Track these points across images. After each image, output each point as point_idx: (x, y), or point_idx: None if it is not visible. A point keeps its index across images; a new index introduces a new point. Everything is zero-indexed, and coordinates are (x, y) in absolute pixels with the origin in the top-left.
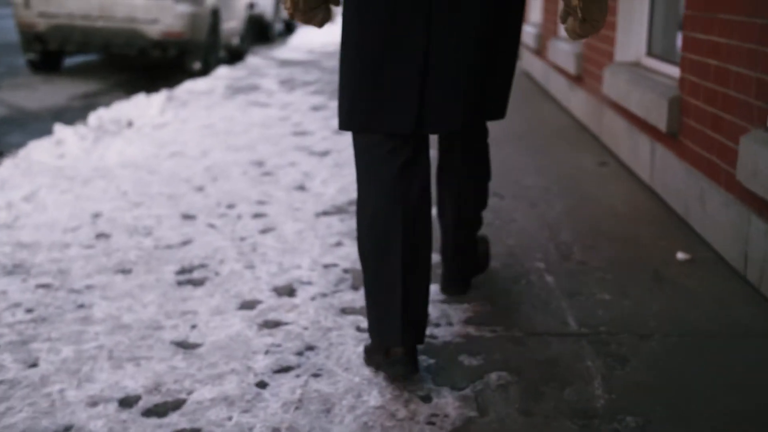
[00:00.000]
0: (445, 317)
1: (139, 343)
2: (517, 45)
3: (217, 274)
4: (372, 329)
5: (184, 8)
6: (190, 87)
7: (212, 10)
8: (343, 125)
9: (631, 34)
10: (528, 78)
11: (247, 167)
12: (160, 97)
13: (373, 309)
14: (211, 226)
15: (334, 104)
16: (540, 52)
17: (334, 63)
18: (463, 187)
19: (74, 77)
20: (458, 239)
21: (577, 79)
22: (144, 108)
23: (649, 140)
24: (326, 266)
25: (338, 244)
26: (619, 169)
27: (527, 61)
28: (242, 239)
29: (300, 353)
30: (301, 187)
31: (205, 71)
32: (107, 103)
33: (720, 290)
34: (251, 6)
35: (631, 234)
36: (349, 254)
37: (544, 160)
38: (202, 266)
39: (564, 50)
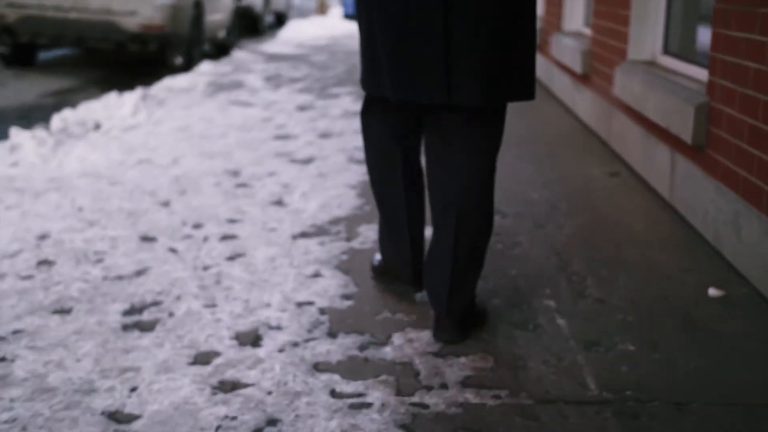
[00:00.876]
0: (438, 376)
1: (62, 414)
2: (534, 23)
3: (171, 314)
4: (385, 253)
5: (164, 0)
6: (168, 84)
7: (195, 2)
8: (371, 90)
9: (646, 29)
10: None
11: (221, 177)
12: (133, 95)
13: (386, 242)
14: (172, 250)
15: (321, 103)
16: (541, 47)
17: (324, 58)
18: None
19: (48, 72)
20: (458, 267)
21: (584, 79)
22: (115, 108)
23: (668, 151)
24: (300, 305)
25: (315, 275)
26: (633, 181)
27: None
28: (206, 268)
29: (259, 430)
30: (279, 202)
31: (187, 66)
32: (79, 101)
33: (765, 338)
34: None
35: (654, 263)
36: (327, 289)
37: (549, 170)
38: (155, 304)
39: (569, 47)
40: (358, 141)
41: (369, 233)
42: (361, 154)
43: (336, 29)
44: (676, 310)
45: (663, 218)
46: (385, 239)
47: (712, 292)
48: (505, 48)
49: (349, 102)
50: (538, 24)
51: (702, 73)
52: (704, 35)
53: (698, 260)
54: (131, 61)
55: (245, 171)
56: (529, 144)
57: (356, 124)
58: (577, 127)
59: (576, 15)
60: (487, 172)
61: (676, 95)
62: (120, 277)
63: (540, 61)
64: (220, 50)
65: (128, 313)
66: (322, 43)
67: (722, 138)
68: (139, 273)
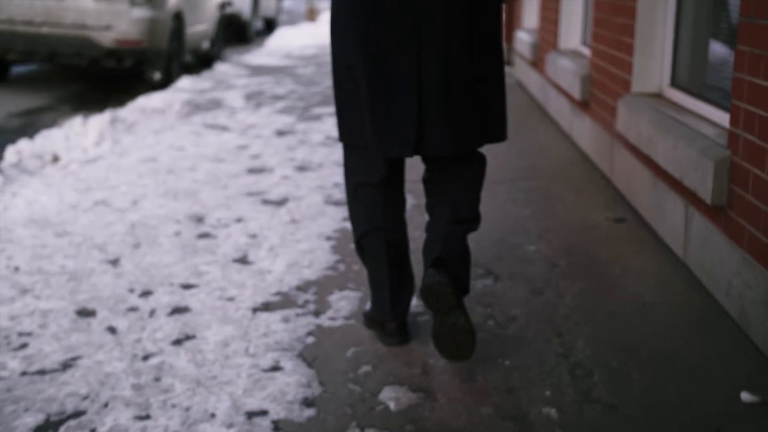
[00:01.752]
0: None
1: None
2: (503, 68)
3: None
4: (372, 301)
5: (141, 13)
6: (142, 104)
7: (175, 14)
8: (348, 140)
9: (652, 59)
10: (522, 91)
11: (183, 225)
12: (100, 120)
13: (372, 288)
14: (111, 330)
15: (302, 127)
16: (536, 64)
17: (311, 70)
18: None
19: (20, 89)
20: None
21: (583, 105)
22: (77, 137)
23: (682, 203)
24: (250, 416)
25: (274, 368)
26: (640, 229)
27: (521, 71)
28: (146, 357)
29: None
30: (243, 259)
31: (166, 82)
32: (47, 123)
33: None
34: (225, 6)
35: (672, 350)
36: (285, 390)
37: (546, 215)
38: (76, 415)
39: (567, 69)
40: (337, 175)
41: (341, 303)
42: (339, 194)
43: (325, 37)
44: (704, 422)
45: (677, 282)
46: (370, 285)
47: (746, 396)
48: (476, 96)
49: (331, 125)
50: (533, 39)
51: (716, 114)
52: (715, 67)
53: (724, 347)
54: (108, 75)
55: (210, 216)
56: (524, 179)
57: (336, 153)
58: (576, 157)
59: (573, 33)
60: (477, 197)
61: (691, 144)
62: (42, 372)
63: (535, 78)
64: (203, 62)
65: (40, 430)
66: (309, 52)
67: (748, 202)
68: (67, 365)
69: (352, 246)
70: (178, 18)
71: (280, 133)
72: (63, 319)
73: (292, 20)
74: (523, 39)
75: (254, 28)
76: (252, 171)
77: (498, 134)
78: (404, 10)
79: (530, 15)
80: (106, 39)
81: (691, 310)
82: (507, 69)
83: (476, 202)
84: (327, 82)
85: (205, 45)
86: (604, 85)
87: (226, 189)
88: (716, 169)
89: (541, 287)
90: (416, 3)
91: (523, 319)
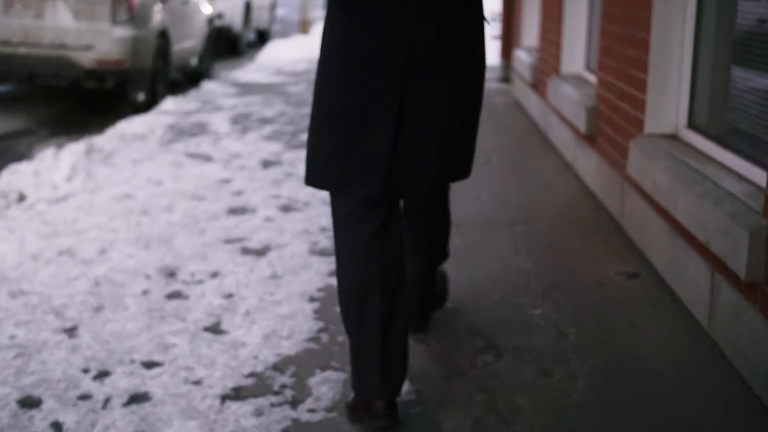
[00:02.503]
0: None
1: None
2: (480, 107)
3: None
4: (355, 384)
5: (123, 32)
6: (122, 130)
7: (160, 32)
8: (314, 183)
9: (668, 98)
10: (521, 112)
11: (152, 282)
12: (75, 150)
13: (356, 365)
14: (56, 427)
15: (289, 157)
16: (537, 87)
17: (302, 88)
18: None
19: None
20: (419, 271)
21: (589, 139)
22: (48, 171)
23: (708, 270)
24: None
25: None
26: (657, 288)
27: (519, 91)
28: None
29: None
30: (216, 328)
31: (150, 103)
32: (22, 150)
33: None
34: (213, 20)
35: None
36: None
37: (552, 269)
38: None
39: (571, 99)
40: (324, 217)
41: (323, 389)
42: (325, 241)
43: (317, 50)
44: None
45: (704, 361)
46: (356, 359)
47: None
48: (454, 138)
49: None
50: (532, 60)
51: (744, 167)
52: (740, 109)
53: None
54: (90, 95)
55: (184, 270)
56: (525, 220)
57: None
58: (581, 193)
59: (575, 56)
60: (446, 212)
61: (718, 205)
62: None
63: (535, 101)
64: (192, 78)
65: None
66: (301, 68)
67: None
68: None
69: (337, 309)
70: (164, 36)
71: (266, 164)
72: (2, 411)
73: (286, 30)
74: (522, 59)
75: (246, 40)
76: (233, 211)
77: (465, 172)
78: (391, 50)
79: (529, 33)
80: (86, 59)
81: (725, 401)
82: (504, 87)
83: (445, 242)
84: None
85: (193, 61)
86: (613, 122)
87: (204, 234)
88: (751, 240)
89: (550, 366)
90: (405, 43)
91: (531, 412)
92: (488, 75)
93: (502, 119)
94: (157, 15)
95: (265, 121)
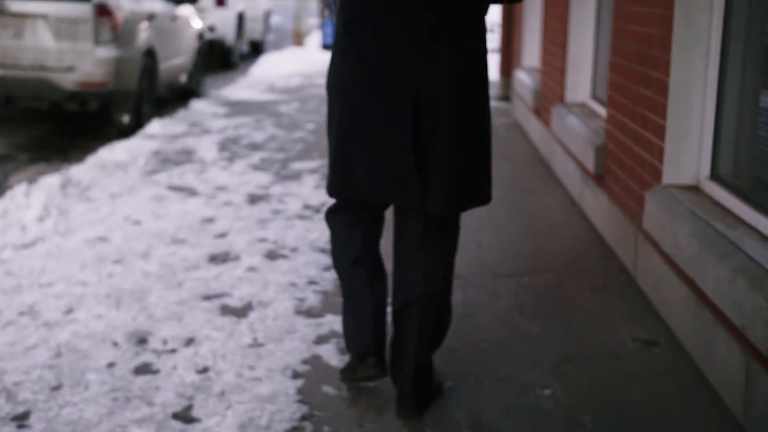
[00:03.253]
0: None
1: None
2: (490, 129)
3: None
4: (350, 345)
5: (106, 52)
6: (103, 158)
7: (146, 51)
8: (341, 195)
9: (688, 144)
10: (522, 136)
11: (119, 350)
12: (50, 184)
13: (350, 328)
14: None
15: (278, 190)
16: (539, 113)
17: (294, 107)
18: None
19: None
20: (420, 360)
21: (598, 179)
22: (18, 210)
23: (742, 356)
24: None
25: None
26: (679, 361)
27: (520, 113)
28: None
29: None
30: (185, 415)
31: (136, 125)
32: (1, 178)
33: None
34: (203, 34)
35: None
36: None
37: (561, 332)
38: None
39: (578, 134)
40: (313, 267)
41: None
42: (312, 298)
43: (312, 64)
44: None
45: None
46: (349, 321)
47: None
48: (467, 160)
49: (311, 187)
50: (534, 83)
51: None
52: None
53: None
54: (74, 117)
55: (156, 335)
56: (531, 271)
57: (315, 231)
58: (590, 237)
59: (582, 84)
60: (447, 271)
61: (758, 289)
62: None
63: (537, 127)
64: (182, 95)
65: None
66: (295, 83)
67: None
68: None
69: (324, 388)
70: (150, 55)
71: (253, 199)
72: None
73: (280, 41)
74: (524, 81)
75: (239, 53)
76: (214, 258)
77: (485, 198)
78: (403, 76)
79: (530, 52)
80: (68, 81)
81: None
82: (504, 106)
83: (449, 271)
84: (310, 125)
85: (183, 79)
86: (625, 165)
87: (181, 288)
88: None
89: None
90: (415, 70)
91: None
92: None
93: (503, 145)
94: (143, 33)
95: (254, 146)
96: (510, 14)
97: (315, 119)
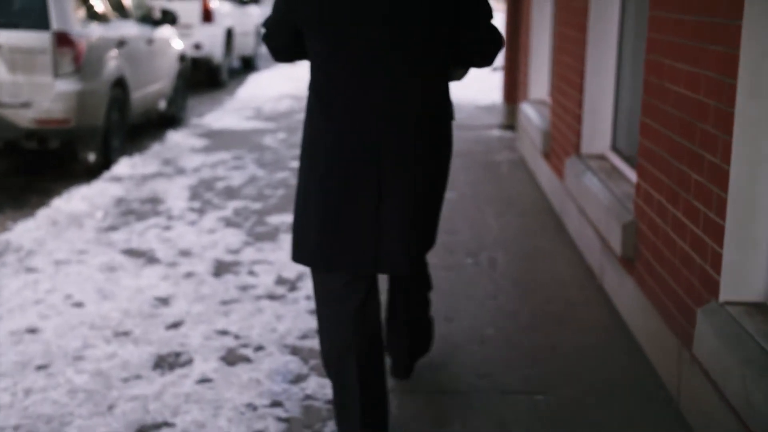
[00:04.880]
0: None
1: None
2: (444, 188)
3: None
4: (340, 429)
5: (68, 86)
6: (58, 209)
7: (115, 81)
8: (303, 261)
9: (756, 254)
10: (528, 176)
11: None
12: None
13: (339, 412)
14: None
15: (250, 255)
16: (549, 157)
17: (280, 138)
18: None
19: None
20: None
21: (627, 264)
22: None
23: None
24: None
25: None
26: None
27: (527, 149)
28: None
29: None
30: None
31: (104, 164)
32: None
33: None
34: (185, 55)
35: None
36: None
37: None
38: None
39: (600, 202)
40: (281, 377)
41: None
42: (274, 428)
43: (304, 81)
44: None
45: None
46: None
47: None
48: (424, 216)
49: (288, 251)
50: (544, 124)
51: None
52: None
53: None
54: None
55: None
56: (545, 387)
57: (287, 319)
58: (615, 330)
59: (600, 133)
60: (425, 307)
61: None
62: None
63: (547, 174)
64: (161, 123)
65: None
66: (284, 107)
67: None
68: None
69: None
70: (120, 85)
71: (219, 269)
72: None
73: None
74: (531, 118)
75: (228, 71)
76: (160, 364)
77: (431, 242)
78: (368, 144)
79: (538, 83)
80: (24, 118)
81: None
82: (508, 136)
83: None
84: (294, 162)
85: (162, 105)
86: (666, 260)
87: (111, 414)
88: None
89: None
90: (379, 137)
91: None
92: (490, 120)
93: (507, 188)
94: (112, 62)
95: (230, 193)
96: (515, 37)
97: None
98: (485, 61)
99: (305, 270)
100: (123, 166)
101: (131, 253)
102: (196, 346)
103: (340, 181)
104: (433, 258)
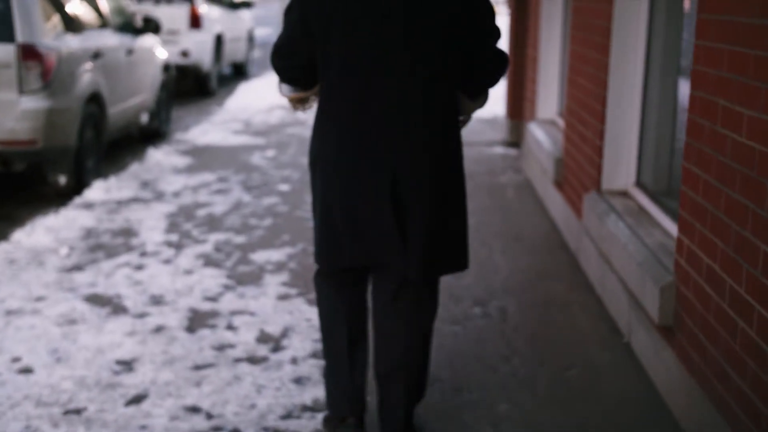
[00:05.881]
0: None
1: None
2: (465, 206)
3: None
4: (330, 404)
5: (35, 103)
6: (18, 243)
7: (90, 97)
8: (332, 264)
9: None
10: (535, 202)
11: None
12: None
13: (333, 392)
14: None
15: (230, 303)
16: (562, 187)
17: (270, 156)
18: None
19: None
20: (408, 418)
21: (666, 332)
22: None
23: None
24: None
25: None
26: None
27: (533, 172)
28: None
29: None
30: None
31: (77, 187)
32: None
33: None
34: (170, 66)
35: None
36: None
37: None
38: None
39: (630, 255)
40: None
41: None
42: None
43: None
44: None
45: None
46: (330, 384)
47: None
48: (440, 230)
49: (273, 297)
50: (555, 149)
51: None
52: None
53: None
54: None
55: None
56: None
57: (268, 392)
58: (651, 406)
59: (625, 168)
60: (426, 339)
61: None
62: None
63: (560, 205)
64: (144, 137)
65: None
66: (275, 119)
67: None
68: None
69: None
70: (95, 100)
71: (194, 322)
72: None
73: (264, 60)
74: (540, 141)
75: (217, 79)
76: None
77: (461, 264)
78: (381, 156)
79: (548, 101)
80: None
81: None
82: (512, 154)
83: (427, 340)
84: (284, 186)
85: (144, 119)
86: (732, 352)
87: None
88: None
89: None
90: (391, 150)
91: None
92: (492, 135)
93: (515, 217)
94: (86, 76)
95: (211, 223)
96: (520, 49)
97: (291, 176)
98: (492, 78)
99: (291, 323)
100: (96, 190)
101: (95, 300)
102: (159, 430)
103: (355, 192)
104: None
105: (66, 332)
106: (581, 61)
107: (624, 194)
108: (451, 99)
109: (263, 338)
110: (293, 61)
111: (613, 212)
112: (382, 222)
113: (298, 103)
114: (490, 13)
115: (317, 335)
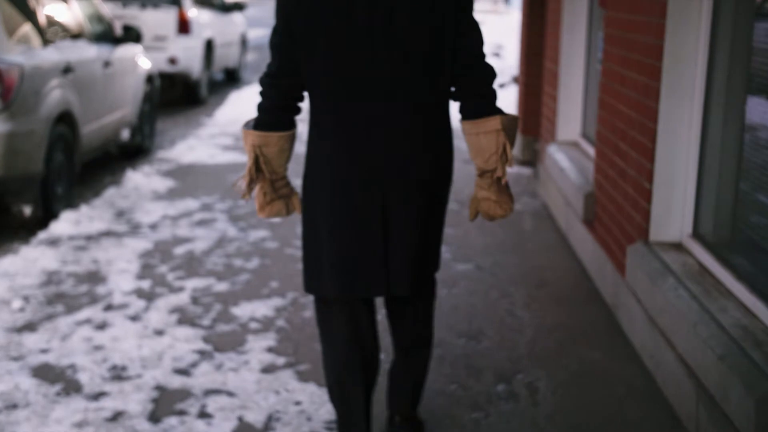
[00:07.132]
0: None
1: None
2: (444, 216)
3: None
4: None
5: None
6: None
7: (59, 116)
8: (318, 292)
9: None
10: (557, 235)
11: None
12: None
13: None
14: None
15: (204, 381)
16: (594, 228)
17: None
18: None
19: None
20: (417, 387)
21: None
22: None
23: None
24: None
25: None
26: None
27: (552, 200)
28: None
29: None
30: None
31: (44, 218)
32: None
33: None
34: (153, 77)
35: None
36: None
37: None
38: None
39: (702, 340)
40: None
41: None
42: None
43: None
44: None
45: None
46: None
47: None
48: (426, 245)
49: (257, 371)
50: (583, 181)
51: None
52: None
53: None
54: None
55: None
56: None
57: None
58: None
59: (679, 216)
60: (430, 314)
61: None
62: None
63: (592, 249)
64: (124, 154)
65: None
66: None
67: None
68: None
69: None
70: (65, 120)
71: (159, 407)
72: None
73: (259, 63)
74: (564, 168)
75: (207, 87)
76: None
77: (436, 266)
78: (371, 181)
79: (570, 120)
80: None
81: None
82: (525, 174)
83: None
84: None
85: (124, 135)
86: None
87: None
88: None
89: None
90: (381, 175)
91: None
92: None
93: (535, 257)
94: (54, 93)
95: (189, 265)
96: (535, 60)
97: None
98: (481, 87)
99: (277, 407)
100: (64, 222)
101: (45, 373)
102: None
103: (347, 212)
104: (451, 384)
105: (2, 422)
106: (619, 82)
107: (678, 247)
108: (442, 111)
109: (243, 430)
110: (285, 82)
111: (671, 274)
112: (372, 251)
113: (246, 189)
114: (474, 25)
115: (308, 426)
